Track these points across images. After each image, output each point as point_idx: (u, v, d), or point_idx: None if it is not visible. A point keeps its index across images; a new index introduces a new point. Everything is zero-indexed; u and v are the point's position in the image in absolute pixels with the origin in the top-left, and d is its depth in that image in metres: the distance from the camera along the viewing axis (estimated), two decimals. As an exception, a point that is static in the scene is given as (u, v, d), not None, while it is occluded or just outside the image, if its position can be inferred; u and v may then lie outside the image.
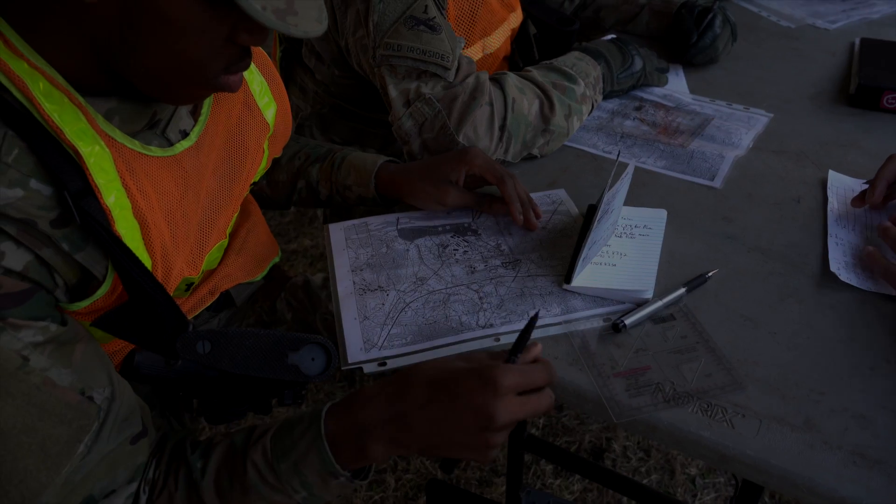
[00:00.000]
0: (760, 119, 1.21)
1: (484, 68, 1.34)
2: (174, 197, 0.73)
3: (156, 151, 0.71)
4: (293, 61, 1.43)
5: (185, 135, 0.76)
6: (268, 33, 0.66)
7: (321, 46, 1.24)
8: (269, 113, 0.91)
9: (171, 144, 0.74)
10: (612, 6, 1.55)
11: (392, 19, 1.06)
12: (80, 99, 0.64)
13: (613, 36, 1.35)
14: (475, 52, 1.29)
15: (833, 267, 0.89)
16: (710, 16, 1.36)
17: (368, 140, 1.37)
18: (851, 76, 1.31)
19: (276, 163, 1.07)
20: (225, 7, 0.60)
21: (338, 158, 1.06)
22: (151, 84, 0.67)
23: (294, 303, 1.15)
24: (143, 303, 0.69)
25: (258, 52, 0.89)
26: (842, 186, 1.04)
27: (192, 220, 0.78)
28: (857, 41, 1.44)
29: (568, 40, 1.43)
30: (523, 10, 1.43)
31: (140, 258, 0.68)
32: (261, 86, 0.89)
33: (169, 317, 0.72)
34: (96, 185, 0.64)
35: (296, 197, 1.09)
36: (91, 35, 0.62)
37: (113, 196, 0.65)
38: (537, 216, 0.98)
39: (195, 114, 0.78)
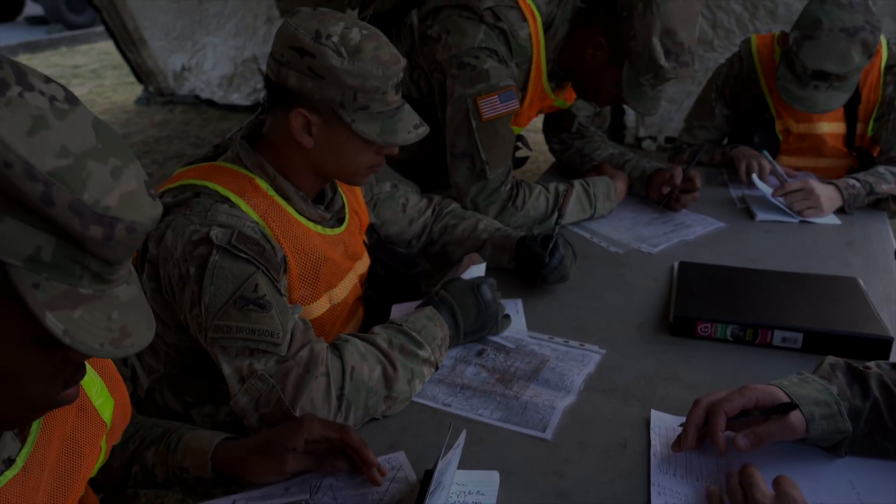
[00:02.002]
0: (593, 357, 1.29)
1: (333, 317, 1.39)
2: None
3: None
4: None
5: (10, 462, 0.73)
6: None
7: (165, 315, 1.26)
8: (107, 412, 0.89)
9: None
10: (458, 242, 1.66)
11: (222, 301, 1.10)
12: None
13: (483, 265, 1.42)
14: (322, 306, 1.34)
15: (654, 524, 0.93)
16: (553, 240, 1.48)
17: (222, 398, 1.36)
18: (671, 304, 1.43)
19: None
20: (60, 346, 0.62)
21: (174, 440, 1.04)
22: None
23: None
24: None
25: None
26: (663, 426, 1.11)
27: None
28: (676, 265, 1.58)
29: (413, 282, 1.51)
30: (370, 254, 1.52)
31: None
32: (97, 385, 0.88)
33: None
34: None
35: (131, 482, 1.06)
36: None
37: None
38: (382, 473, 0.99)
39: (22, 434, 0.75)
